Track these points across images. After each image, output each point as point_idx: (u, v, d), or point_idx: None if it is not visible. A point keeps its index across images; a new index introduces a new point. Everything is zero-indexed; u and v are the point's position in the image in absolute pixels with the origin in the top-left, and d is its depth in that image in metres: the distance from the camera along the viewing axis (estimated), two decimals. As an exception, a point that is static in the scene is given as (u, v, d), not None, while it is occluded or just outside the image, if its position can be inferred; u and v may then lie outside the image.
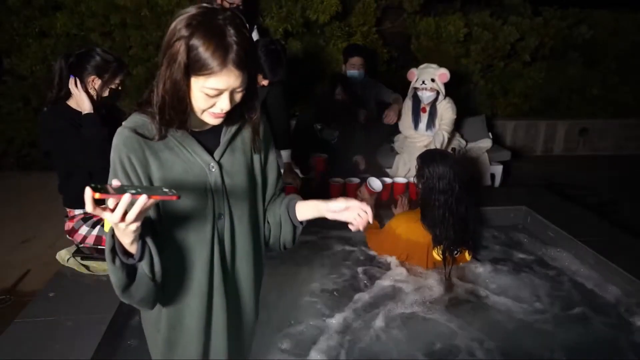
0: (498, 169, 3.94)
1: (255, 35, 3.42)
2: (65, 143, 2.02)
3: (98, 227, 2.14)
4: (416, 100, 3.42)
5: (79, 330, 1.72)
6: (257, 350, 1.58)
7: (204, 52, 0.92)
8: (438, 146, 3.27)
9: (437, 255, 2.28)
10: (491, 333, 1.97)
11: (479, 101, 4.88)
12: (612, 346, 1.92)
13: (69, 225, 2.17)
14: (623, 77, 5.22)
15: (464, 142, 3.72)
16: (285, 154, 3.16)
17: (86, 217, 2.16)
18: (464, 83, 4.66)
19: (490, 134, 4.09)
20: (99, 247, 2.15)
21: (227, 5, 3.21)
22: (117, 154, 1.01)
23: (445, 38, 4.36)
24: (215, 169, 1.08)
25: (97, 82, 2.05)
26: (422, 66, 3.42)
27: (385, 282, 2.26)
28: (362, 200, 2.31)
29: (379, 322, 1.99)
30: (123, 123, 1.05)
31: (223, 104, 0.99)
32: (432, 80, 3.30)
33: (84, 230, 2.14)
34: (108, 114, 2.20)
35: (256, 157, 1.18)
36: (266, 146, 1.21)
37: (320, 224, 2.80)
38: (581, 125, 5.20)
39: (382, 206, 2.92)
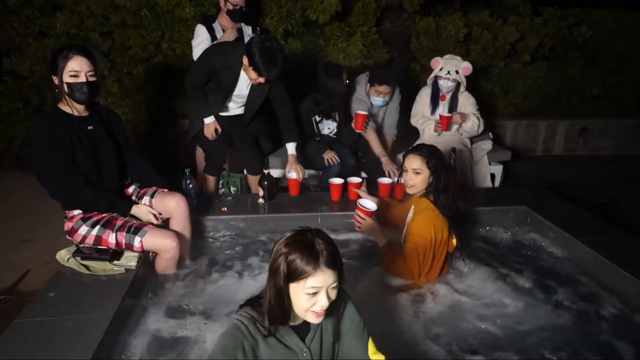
0: (498, 169, 3.94)
1: None
2: (56, 150, 1.99)
3: (98, 226, 2.14)
4: (435, 88, 3.52)
5: (79, 330, 1.71)
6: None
7: (300, 262, 1.20)
8: (472, 131, 3.49)
9: (453, 240, 2.26)
10: (489, 333, 1.97)
11: (479, 101, 4.88)
12: (613, 346, 1.92)
13: (68, 225, 2.17)
14: (623, 77, 5.22)
15: (469, 144, 3.72)
16: (290, 146, 3.13)
17: (85, 217, 2.16)
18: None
19: (490, 134, 4.10)
20: (99, 246, 2.15)
21: (230, 7, 3.20)
22: (233, 340, 1.24)
23: (445, 38, 4.36)
24: (306, 353, 1.33)
25: (56, 80, 1.99)
26: (446, 56, 3.52)
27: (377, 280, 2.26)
28: (360, 226, 2.27)
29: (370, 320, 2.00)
30: (238, 317, 1.29)
31: (322, 302, 1.22)
32: (457, 72, 3.42)
33: (83, 230, 2.14)
34: (95, 113, 2.18)
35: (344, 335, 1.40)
36: (350, 327, 1.41)
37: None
38: (581, 125, 5.20)
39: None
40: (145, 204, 2.29)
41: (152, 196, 2.34)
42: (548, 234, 2.75)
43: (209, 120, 3.08)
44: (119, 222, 2.16)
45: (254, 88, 3.03)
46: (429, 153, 2.21)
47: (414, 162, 2.21)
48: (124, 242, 2.13)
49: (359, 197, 2.58)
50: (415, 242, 2.15)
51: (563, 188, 3.91)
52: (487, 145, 3.82)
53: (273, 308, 1.25)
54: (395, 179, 3.10)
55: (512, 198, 3.14)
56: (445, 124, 3.39)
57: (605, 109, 5.33)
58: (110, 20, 3.81)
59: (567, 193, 3.60)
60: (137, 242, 2.13)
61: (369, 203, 2.34)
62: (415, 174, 2.21)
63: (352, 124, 3.40)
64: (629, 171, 4.73)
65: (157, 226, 2.25)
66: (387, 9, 4.53)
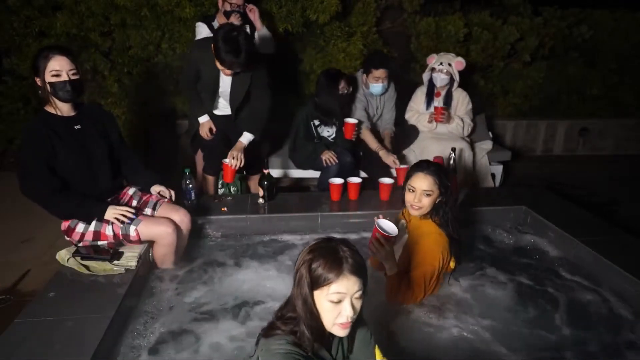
0: (498, 169, 3.94)
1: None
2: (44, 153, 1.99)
3: (94, 222, 2.13)
4: (431, 85, 3.59)
5: (79, 330, 1.71)
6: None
7: (323, 267, 1.18)
8: (456, 132, 3.53)
9: (452, 263, 2.13)
10: (489, 332, 1.97)
11: (479, 101, 4.88)
12: (612, 346, 1.92)
13: (64, 225, 2.16)
14: (623, 77, 5.22)
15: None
16: (246, 136, 2.97)
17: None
18: (464, 83, 4.65)
19: (490, 133, 4.10)
20: (99, 242, 2.14)
21: (228, 7, 3.19)
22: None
23: (445, 38, 4.36)
24: None
25: (39, 81, 2.00)
26: (441, 53, 3.66)
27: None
28: (377, 251, 1.86)
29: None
30: (279, 347, 1.20)
31: (347, 311, 1.19)
32: (449, 64, 3.50)
33: (80, 227, 2.13)
34: (82, 112, 2.16)
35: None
36: (359, 335, 1.38)
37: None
38: (581, 125, 5.20)
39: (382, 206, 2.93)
40: (112, 206, 2.14)
41: (154, 208, 2.31)
42: (548, 234, 2.75)
43: (204, 119, 3.08)
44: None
45: (235, 81, 2.98)
46: (439, 171, 2.03)
47: (424, 183, 2.00)
48: (120, 233, 2.12)
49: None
50: (425, 271, 1.99)
51: (563, 188, 3.91)
52: (487, 145, 3.83)
53: (307, 320, 1.21)
54: (397, 165, 3.19)
55: (512, 198, 3.14)
56: (439, 114, 3.45)
57: (605, 109, 5.33)
58: (110, 20, 3.81)
59: (567, 193, 3.60)
60: (132, 231, 2.12)
61: (389, 225, 1.91)
62: (426, 196, 2.00)
63: (343, 130, 3.39)
64: (629, 171, 4.73)
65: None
66: (387, 9, 4.53)
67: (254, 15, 3.31)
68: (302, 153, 3.45)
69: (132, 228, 2.12)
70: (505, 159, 4.07)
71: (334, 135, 3.50)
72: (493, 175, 3.87)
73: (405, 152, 3.65)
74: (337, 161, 3.28)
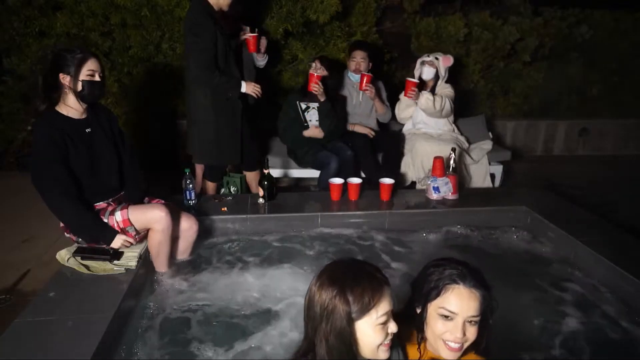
0: (498, 169, 3.94)
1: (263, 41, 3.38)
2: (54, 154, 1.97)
3: None
4: (421, 79, 3.68)
5: (79, 330, 1.71)
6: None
7: (367, 293, 1.05)
8: (428, 107, 3.56)
9: None
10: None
11: (479, 101, 4.89)
12: (612, 346, 1.93)
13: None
14: (623, 77, 5.22)
15: (467, 144, 3.73)
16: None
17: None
18: (464, 83, 4.66)
19: (490, 133, 4.10)
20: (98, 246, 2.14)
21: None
22: None
23: (445, 38, 4.37)
24: None
25: (67, 79, 1.99)
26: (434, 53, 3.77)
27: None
28: None
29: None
30: None
31: (393, 328, 1.09)
32: (437, 58, 3.61)
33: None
34: (97, 115, 2.17)
35: None
36: None
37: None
38: (581, 125, 5.20)
39: (381, 206, 2.93)
40: (120, 235, 2.11)
41: None
42: (548, 234, 2.75)
43: (244, 86, 2.99)
44: (110, 208, 2.16)
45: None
46: (483, 278, 1.27)
47: (471, 305, 1.19)
48: (115, 224, 2.11)
49: None
50: None
51: (563, 188, 3.90)
52: (487, 145, 3.82)
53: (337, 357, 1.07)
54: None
55: (512, 198, 3.14)
56: (408, 89, 3.52)
57: (605, 109, 5.34)
58: (110, 20, 3.82)
59: (567, 193, 3.59)
60: (119, 216, 2.10)
61: None
62: (472, 324, 1.20)
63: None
64: (629, 171, 4.72)
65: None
66: (387, 9, 4.53)
67: (263, 43, 3.30)
68: (295, 153, 3.52)
69: (118, 214, 2.10)
70: (505, 159, 4.07)
71: (317, 119, 3.49)
72: (493, 175, 3.87)
73: (403, 162, 3.66)
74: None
